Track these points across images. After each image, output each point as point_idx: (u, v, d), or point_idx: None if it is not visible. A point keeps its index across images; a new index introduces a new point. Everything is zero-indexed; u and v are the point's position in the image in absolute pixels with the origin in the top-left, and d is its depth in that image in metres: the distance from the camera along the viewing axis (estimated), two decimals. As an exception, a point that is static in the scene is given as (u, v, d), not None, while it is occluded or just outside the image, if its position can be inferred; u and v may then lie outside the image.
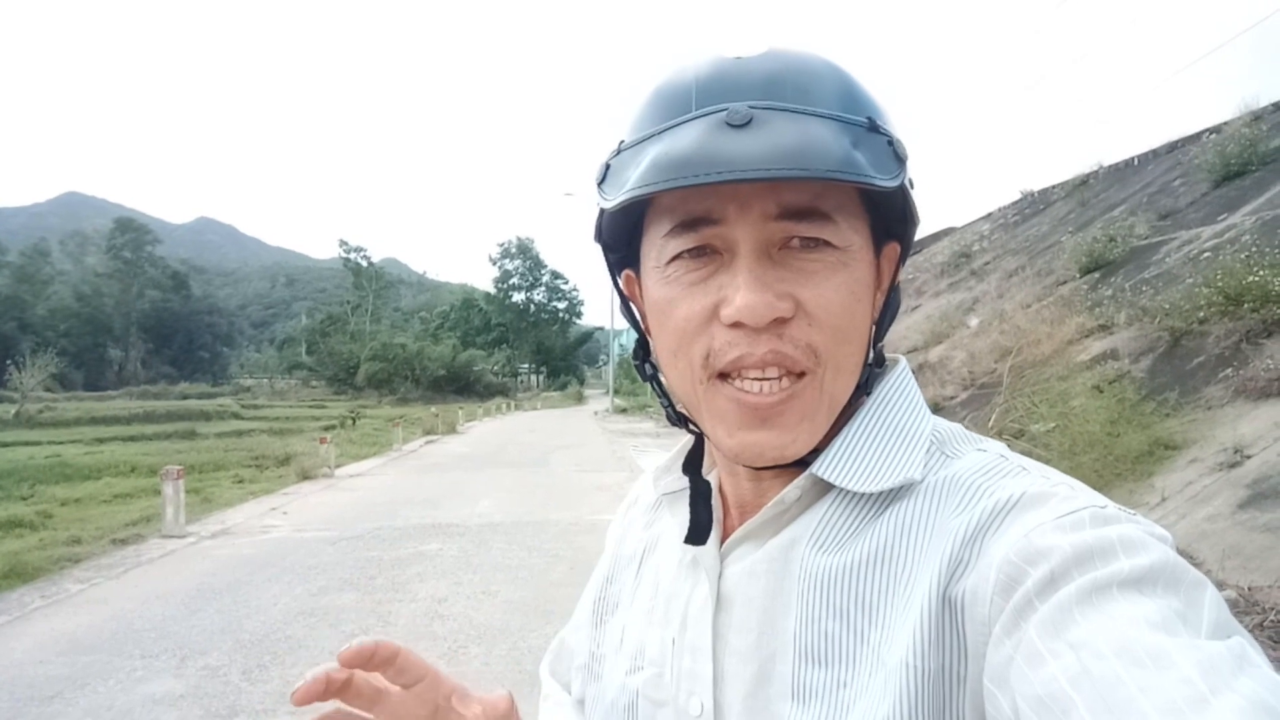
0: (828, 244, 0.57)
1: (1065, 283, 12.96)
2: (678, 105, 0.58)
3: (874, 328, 0.62)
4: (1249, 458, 5.80)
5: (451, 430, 27.57)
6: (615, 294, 0.70)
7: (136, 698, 4.58)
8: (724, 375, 0.58)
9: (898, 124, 0.60)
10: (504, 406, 47.89)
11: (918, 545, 0.55)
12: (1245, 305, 7.62)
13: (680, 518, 0.68)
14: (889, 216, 0.62)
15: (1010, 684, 0.45)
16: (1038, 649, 0.44)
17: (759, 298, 0.54)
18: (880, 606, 0.55)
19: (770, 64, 0.58)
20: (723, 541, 0.65)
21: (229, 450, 19.56)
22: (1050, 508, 0.50)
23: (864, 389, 0.62)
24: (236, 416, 36.75)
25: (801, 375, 0.57)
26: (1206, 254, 9.90)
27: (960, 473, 0.57)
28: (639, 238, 0.64)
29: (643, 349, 0.69)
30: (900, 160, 0.57)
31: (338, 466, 15.91)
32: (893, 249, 0.64)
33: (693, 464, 0.70)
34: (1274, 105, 14.46)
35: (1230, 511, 5.27)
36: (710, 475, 0.70)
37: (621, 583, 0.77)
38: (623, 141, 0.61)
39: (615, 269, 0.69)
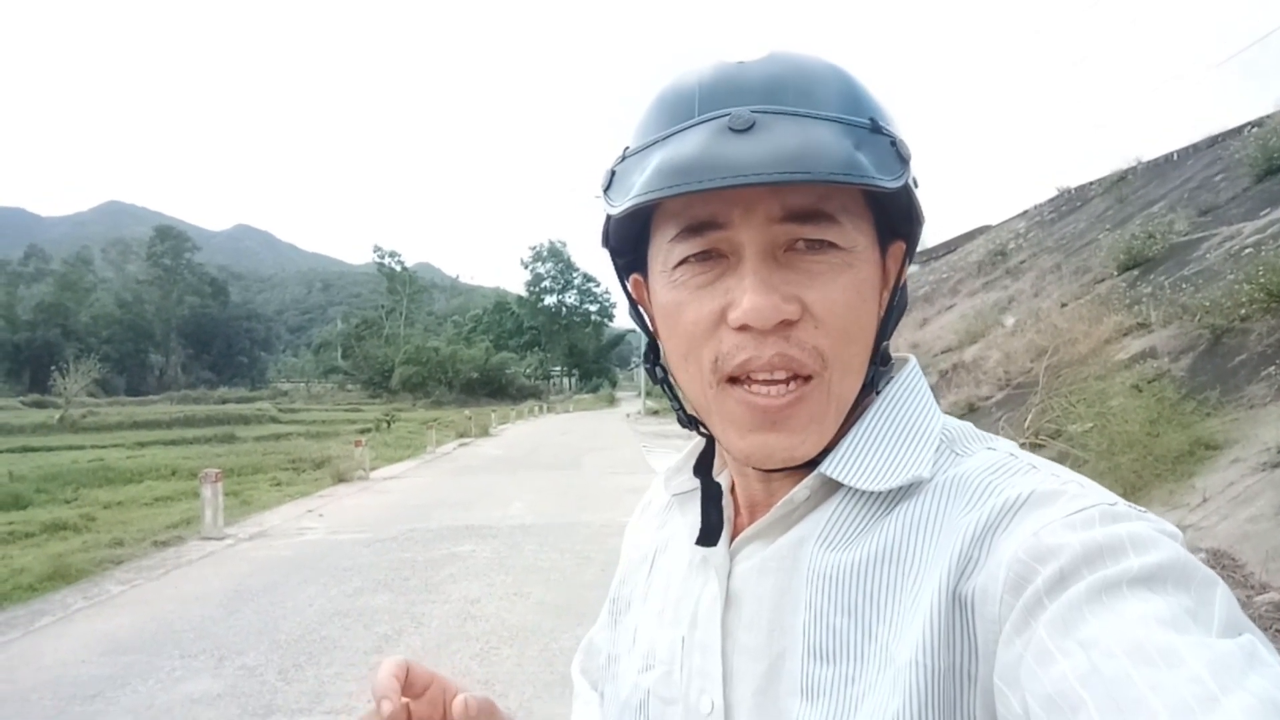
0: (833, 245, 0.57)
1: (1103, 281, 12.77)
2: (681, 111, 0.58)
3: (881, 326, 0.62)
4: (1293, 457, 5.67)
5: (484, 433, 27.80)
6: (625, 298, 0.71)
7: (176, 697, 4.67)
8: (734, 379, 0.58)
9: (901, 124, 0.60)
10: (536, 409, 48.13)
11: (927, 543, 0.55)
12: (1289, 302, 7.46)
13: (691, 518, 0.68)
14: (894, 216, 0.62)
15: (1020, 683, 0.44)
16: (1047, 647, 0.43)
17: (765, 300, 0.55)
18: (888, 603, 0.55)
19: (772, 68, 0.58)
20: (733, 540, 0.65)
21: (267, 453, 19.89)
22: (1059, 506, 0.50)
23: (871, 387, 0.62)
24: (274, 420, 37.29)
25: (809, 378, 0.57)
26: (1248, 250, 9.70)
27: (969, 471, 0.57)
28: (646, 242, 0.64)
29: (653, 352, 0.69)
30: (903, 160, 0.57)
31: (373, 469, 16.10)
32: (898, 248, 0.64)
33: (703, 466, 0.70)
34: (1318, 97, 14.13)
35: (1274, 512, 5.15)
36: (721, 476, 0.70)
37: (634, 583, 0.77)
38: (627, 148, 0.61)
39: (623, 273, 0.70)
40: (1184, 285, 10.00)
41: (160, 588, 7.29)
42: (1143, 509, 0.50)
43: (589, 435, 26.28)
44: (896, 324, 0.64)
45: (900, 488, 0.58)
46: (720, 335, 0.57)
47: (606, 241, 0.67)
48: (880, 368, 0.63)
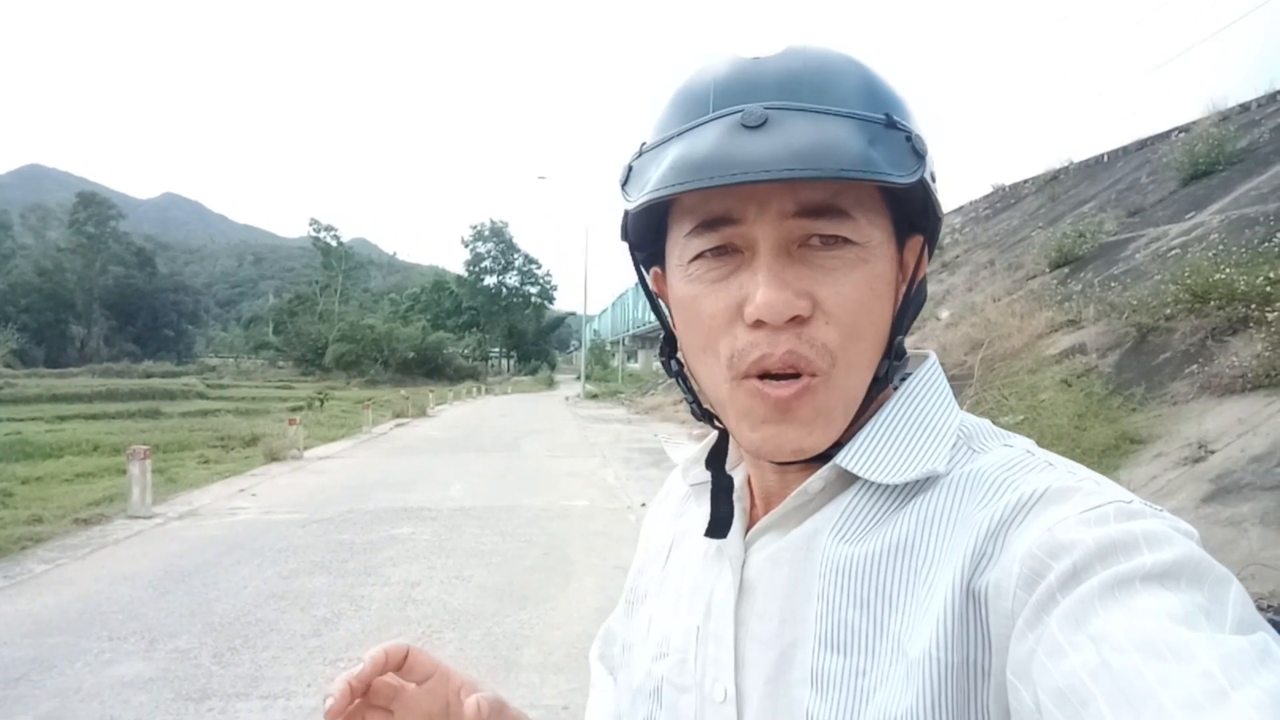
0: (847, 240, 0.57)
1: (1035, 277, 13.11)
2: (696, 107, 0.58)
3: (895, 321, 0.62)
4: (1213, 453, 5.92)
5: (421, 413, 27.41)
6: (643, 290, 0.71)
7: (105, 680, 4.53)
8: (748, 376, 0.58)
9: (920, 118, 0.60)
10: (474, 390, 47.67)
11: (940, 537, 0.55)
12: (1211, 303, 7.75)
13: (706, 509, 0.68)
14: (911, 210, 0.62)
15: (1032, 677, 0.45)
16: (1058, 642, 0.44)
17: (778, 295, 0.55)
18: (901, 596, 0.55)
19: (788, 63, 0.58)
20: (748, 531, 0.66)
21: (194, 430, 19.29)
22: (1074, 502, 0.50)
23: (885, 382, 0.62)
24: (201, 396, 36.14)
25: (817, 374, 0.58)
26: (1174, 251, 10.06)
27: (985, 467, 0.57)
28: (664, 236, 0.65)
29: (669, 345, 0.69)
30: (919, 155, 0.57)
31: (306, 448, 15.77)
32: (916, 241, 0.64)
33: (717, 458, 0.71)
34: (1241, 106, 14.71)
35: (1194, 506, 5.38)
36: (736, 470, 0.70)
37: (650, 573, 0.78)
38: (644, 143, 0.61)
39: (643, 267, 0.70)
40: (1112, 284, 10.33)
41: (86, 567, 7.05)
42: (1159, 507, 0.51)
43: (528, 418, 26.15)
44: (914, 319, 0.65)
45: (915, 482, 0.58)
46: (735, 331, 0.58)
47: (625, 235, 0.67)
48: (894, 362, 0.63)
